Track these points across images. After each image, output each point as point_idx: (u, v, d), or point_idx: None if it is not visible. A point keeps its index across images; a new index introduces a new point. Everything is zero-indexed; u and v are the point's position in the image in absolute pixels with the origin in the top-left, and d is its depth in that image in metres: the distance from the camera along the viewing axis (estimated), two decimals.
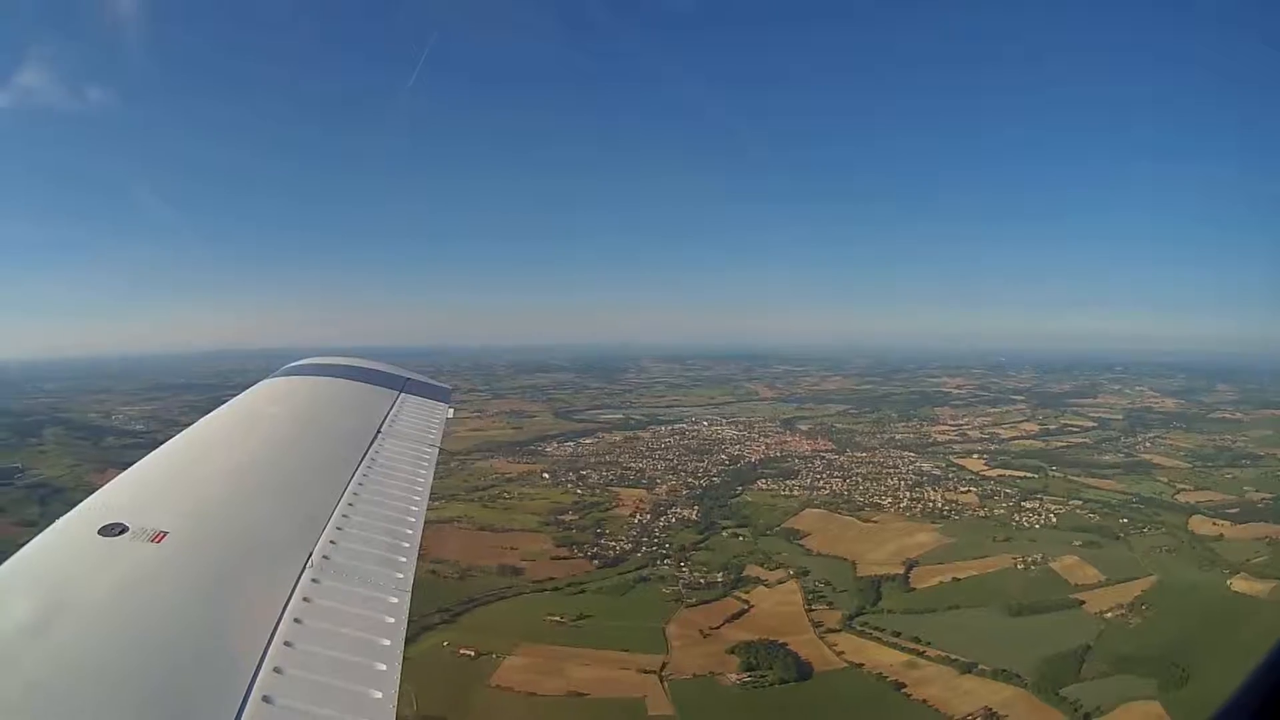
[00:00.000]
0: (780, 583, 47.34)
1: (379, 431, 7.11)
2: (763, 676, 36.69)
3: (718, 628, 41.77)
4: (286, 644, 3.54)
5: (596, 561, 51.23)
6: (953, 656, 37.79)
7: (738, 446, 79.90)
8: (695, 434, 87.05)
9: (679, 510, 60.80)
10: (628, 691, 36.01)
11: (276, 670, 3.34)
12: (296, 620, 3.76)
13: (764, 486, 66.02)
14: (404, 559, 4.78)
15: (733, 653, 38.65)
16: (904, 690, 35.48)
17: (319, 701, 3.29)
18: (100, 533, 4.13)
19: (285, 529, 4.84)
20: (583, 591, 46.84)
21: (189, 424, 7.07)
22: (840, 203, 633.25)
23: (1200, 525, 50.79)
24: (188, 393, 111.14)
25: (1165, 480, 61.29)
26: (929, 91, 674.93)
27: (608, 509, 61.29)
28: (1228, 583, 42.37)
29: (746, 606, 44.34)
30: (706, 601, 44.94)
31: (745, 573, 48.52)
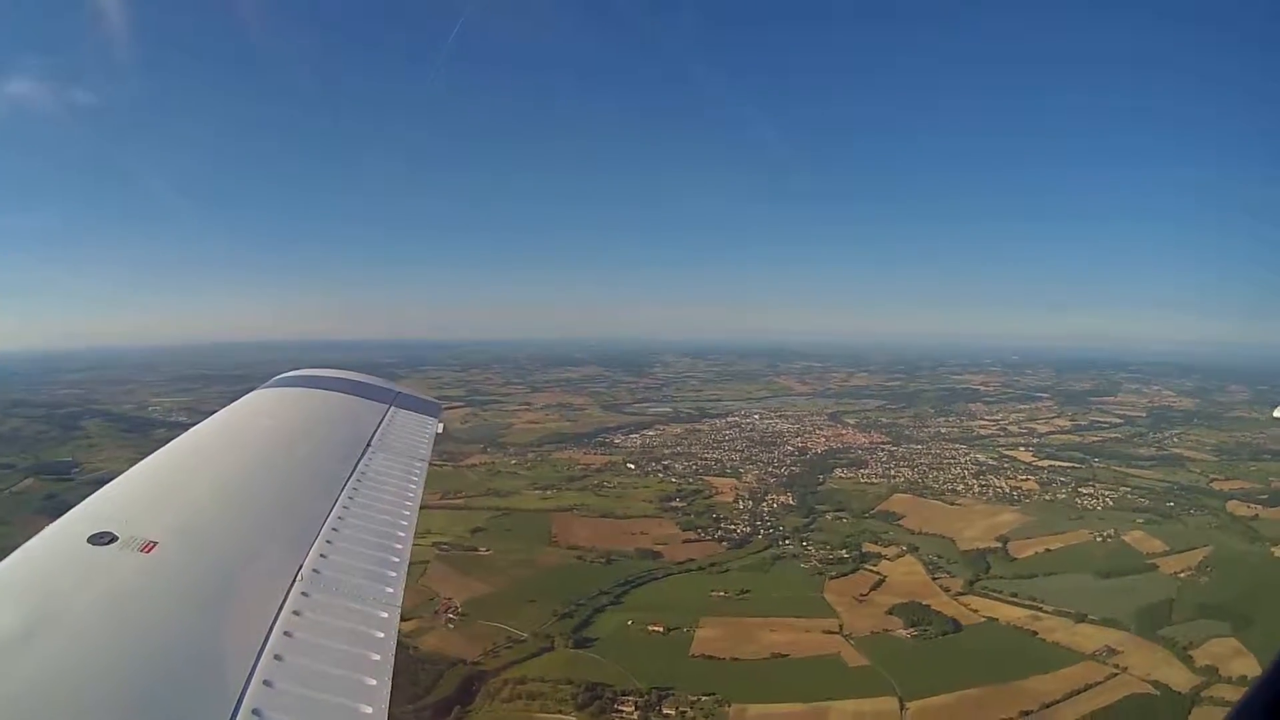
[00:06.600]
0: (899, 556, 58.19)
1: (369, 445, 7.46)
2: (924, 630, 47.27)
3: (866, 594, 52.11)
4: (277, 657, 3.75)
5: (725, 544, 60.52)
6: (1065, 610, 49.30)
7: (798, 439, 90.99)
8: (750, 426, 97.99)
9: (775, 497, 71.03)
10: (821, 650, 44.76)
11: (266, 683, 3.53)
12: (286, 634, 3.97)
13: (842, 475, 77.48)
14: (394, 573, 5.00)
15: (892, 613, 49.01)
16: (1038, 636, 46.60)
17: (309, 715, 3.52)
18: (90, 541, 4.32)
19: (275, 542, 5.12)
20: (727, 571, 55.79)
21: None
22: (854, 202, 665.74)
23: (1237, 508, 64.35)
24: (216, 384, 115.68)
25: (1198, 471, 75.57)
26: (946, 96, 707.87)
27: (710, 496, 70.78)
28: (1271, 551, 55.90)
29: (880, 577, 54.67)
30: (845, 574, 55.06)
31: (865, 549, 59.13)
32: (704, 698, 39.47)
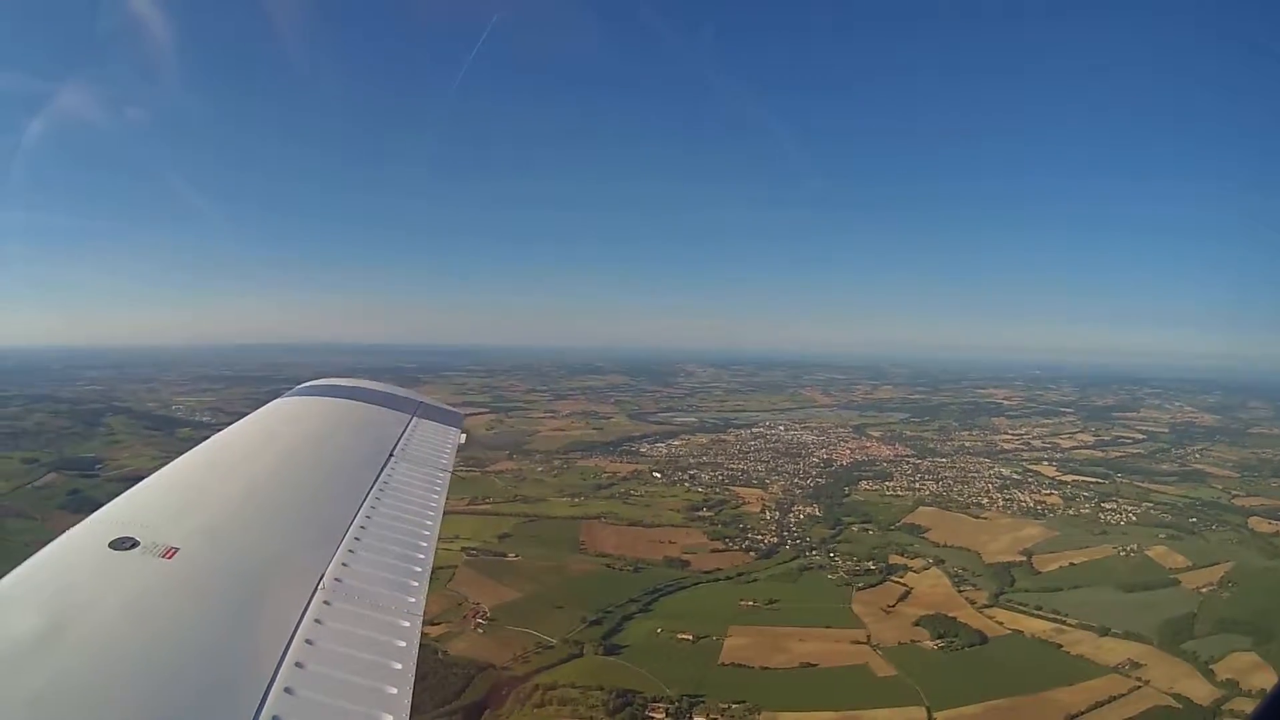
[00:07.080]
0: (925, 569, 59.52)
1: (391, 454, 7.56)
2: (951, 642, 48.54)
3: (893, 606, 53.50)
4: (298, 665, 3.80)
5: (752, 554, 61.88)
6: (1089, 623, 50.57)
7: (823, 450, 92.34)
8: (776, 438, 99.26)
9: (801, 508, 72.20)
10: (849, 660, 46.03)
11: (288, 690, 3.58)
12: (308, 641, 4.01)
13: (868, 487, 78.83)
14: (416, 583, 5.05)
15: (919, 625, 50.36)
16: (1063, 649, 47.93)
17: None
18: (111, 546, 4.36)
19: (297, 549, 5.16)
20: (755, 580, 57.10)
21: None
22: (877, 215, 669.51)
23: (1259, 524, 65.50)
24: (239, 385, 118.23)
25: (1220, 488, 76.53)
26: (970, 110, 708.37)
27: (736, 507, 72.26)
28: None
29: (907, 589, 55.99)
30: (872, 585, 56.47)
31: (891, 561, 60.39)
32: (734, 705, 40.52)
